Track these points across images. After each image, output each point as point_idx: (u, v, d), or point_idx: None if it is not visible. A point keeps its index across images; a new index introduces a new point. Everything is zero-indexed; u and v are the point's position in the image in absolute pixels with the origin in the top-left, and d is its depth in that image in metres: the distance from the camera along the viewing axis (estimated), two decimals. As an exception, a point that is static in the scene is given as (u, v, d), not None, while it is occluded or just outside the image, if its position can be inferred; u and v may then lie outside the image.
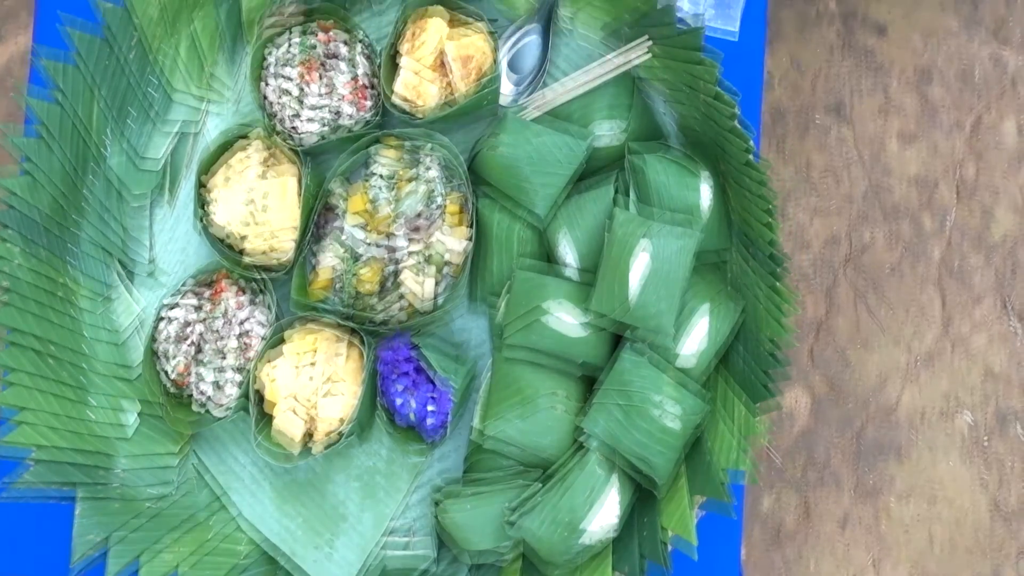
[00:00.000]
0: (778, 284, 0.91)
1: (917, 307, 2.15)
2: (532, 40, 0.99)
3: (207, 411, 0.98)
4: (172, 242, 1.00)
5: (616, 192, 0.93)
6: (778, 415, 2.18)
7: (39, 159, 0.94)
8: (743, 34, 1.21)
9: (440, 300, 0.97)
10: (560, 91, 0.97)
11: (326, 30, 0.99)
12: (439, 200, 0.95)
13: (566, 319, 0.91)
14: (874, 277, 2.16)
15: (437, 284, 0.95)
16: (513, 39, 1.00)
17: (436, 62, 0.96)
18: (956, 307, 2.17)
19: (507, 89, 1.00)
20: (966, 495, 2.14)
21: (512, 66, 1.00)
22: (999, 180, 2.17)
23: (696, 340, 0.92)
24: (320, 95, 0.95)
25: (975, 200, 2.17)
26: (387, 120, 1.02)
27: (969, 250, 2.17)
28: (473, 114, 0.98)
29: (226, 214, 0.94)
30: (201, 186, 0.97)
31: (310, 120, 0.96)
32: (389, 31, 1.01)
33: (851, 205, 2.16)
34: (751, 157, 0.90)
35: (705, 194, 0.93)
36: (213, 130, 1.02)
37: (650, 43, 0.95)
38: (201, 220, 0.96)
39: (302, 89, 0.96)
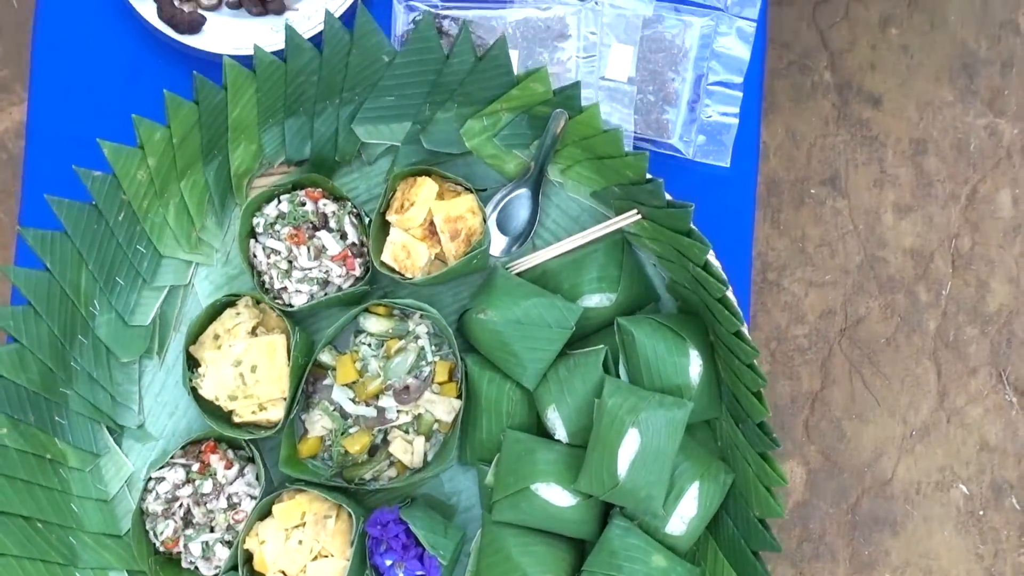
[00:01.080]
0: (768, 461, 0.91)
1: (912, 379, 2.15)
2: (523, 195, 0.99)
3: (196, 568, 0.98)
4: (161, 399, 1.01)
5: (606, 359, 0.94)
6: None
7: (27, 330, 0.94)
8: (735, 161, 1.21)
9: (430, 458, 0.97)
10: (549, 251, 0.97)
11: (315, 198, 0.99)
12: (428, 364, 0.96)
13: (555, 496, 0.91)
14: (869, 349, 2.16)
15: (427, 445, 0.95)
16: (504, 195, 1.00)
17: (425, 226, 0.96)
18: (951, 379, 2.17)
19: (497, 242, 1.00)
20: (961, 567, 2.15)
21: (502, 220, 1.00)
22: (994, 251, 2.17)
23: (686, 508, 0.92)
24: (309, 260, 0.96)
25: (971, 271, 2.17)
26: (376, 281, 1.02)
27: (964, 322, 2.17)
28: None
29: (214, 384, 0.94)
30: (191, 344, 0.97)
31: (299, 284, 0.96)
32: (379, 181, 1.02)
33: (846, 277, 2.16)
34: (743, 330, 0.90)
35: (695, 365, 0.93)
36: (203, 281, 1.02)
37: (639, 216, 0.96)
38: (190, 389, 0.96)
39: (291, 252, 0.96)
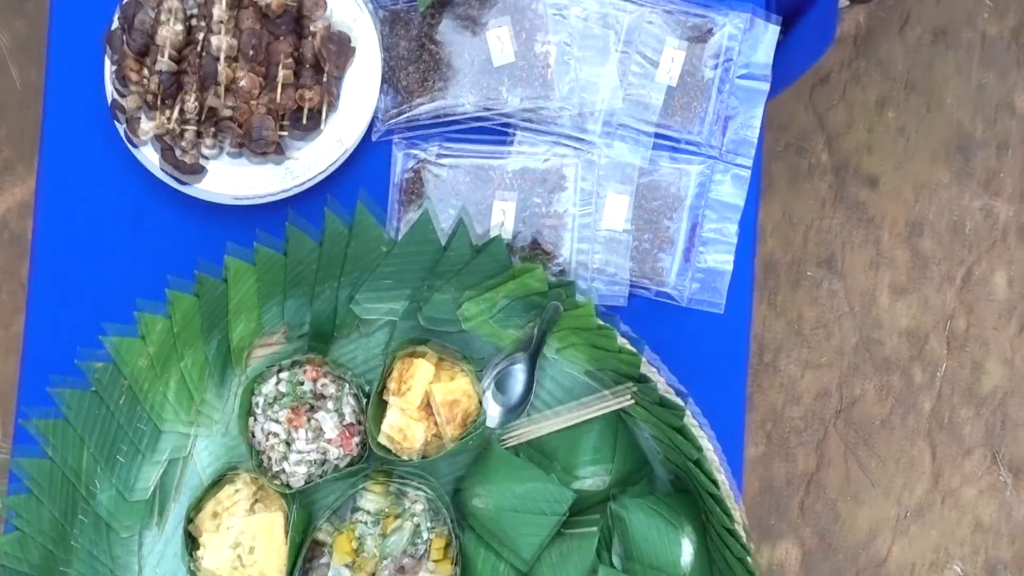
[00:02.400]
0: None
1: (907, 460, 2.17)
2: (518, 367, 1.01)
3: None
4: (160, 570, 1.02)
5: (600, 539, 0.95)
6: (768, 569, 2.19)
7: (29, 515, 0.96)
8: (729, 306, 1.23)
9: (426, 629, 0.98)
10: (545, 423, 0.98)
11: (315, 376, 1.00)
12: (425, 536, 0.97)
13: None
14: (864, 430, 2.17)
15: (423, 615, 0.97)
16: (500, 366, 1.01)
17: (423, 404, 0.98)
18: (946, 460, 2.18)
19: (493, 411, 1.02)
20: (956, 647, 2.16)
21: (498, 389, 1.02)
22: (989, 333, 2.19)
23: None
24: (308, 440, 0.97)
25: (965, 353, 2.19)
26: (373, 456, 1.03)
27: (959, 403, 2.18)
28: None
29: (214, 560, 0.96)
30: (189, 522, 0.99)
31: (298, 463, 0.98)
32: (378, 352, 1.03)
33: (842, 358, 2.18)
34: (736, 527, 0.92)
35: (687, 550, 0.94)
36: (202, 451, 1.03)
37: (632, 399, 0.97)
38: (190, 565, 0.98)
39: (290, 434, 0.98)
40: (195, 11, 1.18)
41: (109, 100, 1.18)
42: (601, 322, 1.02)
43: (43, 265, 1.17)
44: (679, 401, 0.97)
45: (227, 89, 1.16)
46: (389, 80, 1.21)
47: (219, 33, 1.14)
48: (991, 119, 2.24)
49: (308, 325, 1.01)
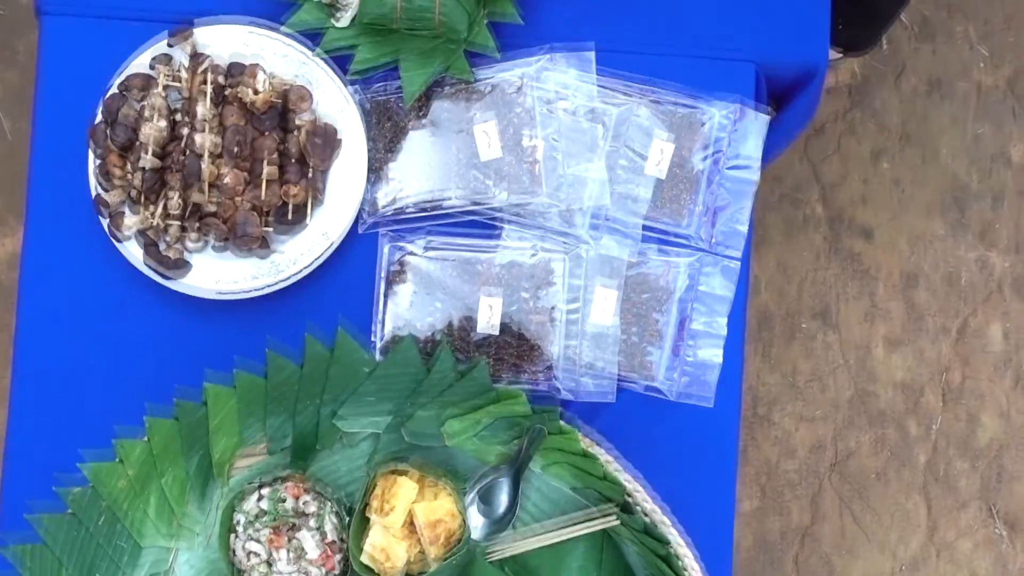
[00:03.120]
0: None
1: (902, 513, 2.16)
2: (503, 481, 1.00)
3: None
4: None
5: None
6: (763, 623, 2.19)
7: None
8: (718, 399, 1.22)
9: None
10: (530, 538, 0.97)
11: (297, 493, 0.99)
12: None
13: None
14: (859, 484, 2.16)
15: None
16: (484, 481, 1.00)
17: (405, 523, 0.97)
18: (941, 513, 2.17)
19: (478, 523, 1.01)
20: None
21: (483, 501, 1.01)
22: (985, 385, 2.18)
23: None
24: (289, 561, 0.96)
25: (961, 405, 2.18)
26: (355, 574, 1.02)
27: (955, 456, 2.17)
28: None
29: None
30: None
31: (279, 584, 0.96)
32: (361, 463, 1.02)
33: (837, 411, 2.17)
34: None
35: None
36: (183, 565, 1.02)
37: (616, 520, 0.96)
38: None
39: (271, 554, 0.97)
40: (179, 105, 1.17)
41: (93, 193, 1.17)
42: (587, 448, 1.01)
43: (25, 361, 1.17)
44: (664, 530, 0.96)
45: (211, 185, 1.15)
46: (375, 171, 1.20)
47: (203, 131, 1.13)
48: (986, 170, 2.23)
49: (290, 439, 1.00)
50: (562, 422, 1.03)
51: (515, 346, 1.17)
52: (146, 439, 0.99)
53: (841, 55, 2.14)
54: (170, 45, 1.18)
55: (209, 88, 1.14)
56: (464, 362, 1.14)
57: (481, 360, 1.02)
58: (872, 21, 1.93)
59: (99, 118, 1.18)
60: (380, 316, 1.19)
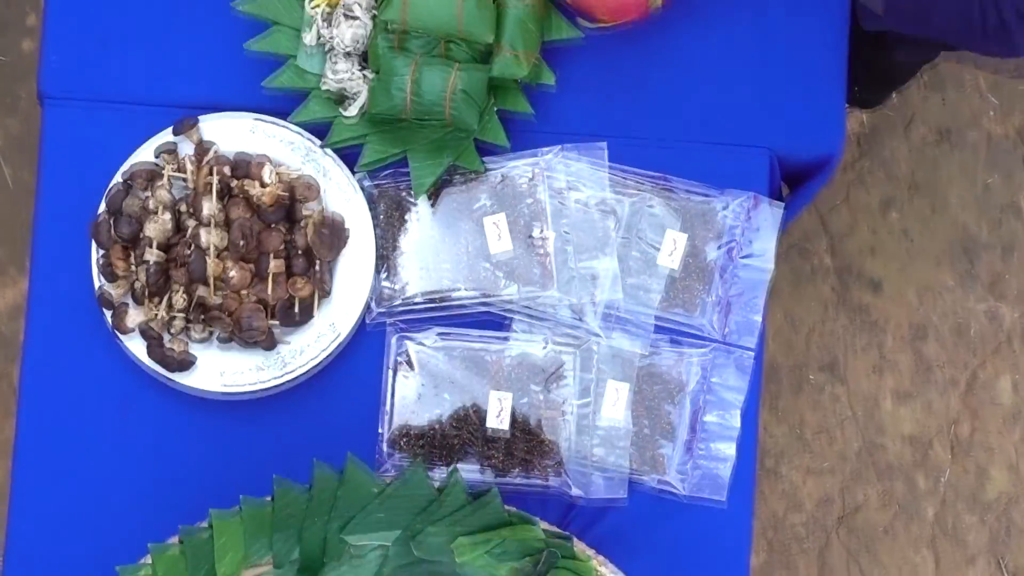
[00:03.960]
0: None
1: (910, 567, 2.14)
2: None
3: None
4: None
5: None
6: None
7: None
8: (731, 500, 1.20)
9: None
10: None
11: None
12: None
13: None
14: (867, 537, 2.14)
15: None
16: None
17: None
18: (950, 567, 2.15)
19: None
20: None
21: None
22: (994, 438, 2.16)
23: None
24: None
25: (970, 458, 2.16)
26: None
27: (963, 509, 2.15)
28: None
29: None
30: None
31: None
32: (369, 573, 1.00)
33: (844, 464, 2.15)
34: None
35: None
36: None
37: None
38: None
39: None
40: (184, 194, 1.15)
41: (96, 287, 1.15)
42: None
43: (25, 459, 1.15)
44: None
45: (217, 279, 1.13)
46: (383, 261, 1.18)
47: (209, 225, 1.11)
48: (996, 220, 2.21)
49: (297, 554, 0.98)
50: (577, 547, 1.02)
51: (525, 441, 1.15)
52: (150, 565, 0.97)
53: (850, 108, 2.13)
54: (175, 140, 1.16)
55: (215, 182, 1.12)
56: (473, 456, 1.13)
57: (493, 488, 1.01)
58: (888, 85, 1.91)
59: (102, 211, 1.15)
60: (387, 408, 1.17)
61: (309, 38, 1.14)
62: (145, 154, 1.17)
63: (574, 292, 1.16)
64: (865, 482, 2.15)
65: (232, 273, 1.12)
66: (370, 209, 1.17)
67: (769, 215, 1.21)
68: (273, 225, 1.14)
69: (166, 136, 1.17)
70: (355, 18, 1.12)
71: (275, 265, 1.13)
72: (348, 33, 1.11)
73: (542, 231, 1.15)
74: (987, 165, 2.18)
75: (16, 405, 1.19)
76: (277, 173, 1.14)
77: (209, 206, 1.11)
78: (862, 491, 2.15)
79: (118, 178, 1.16)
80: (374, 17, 1.13)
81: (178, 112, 1.18)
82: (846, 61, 1.25)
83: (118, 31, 1.21)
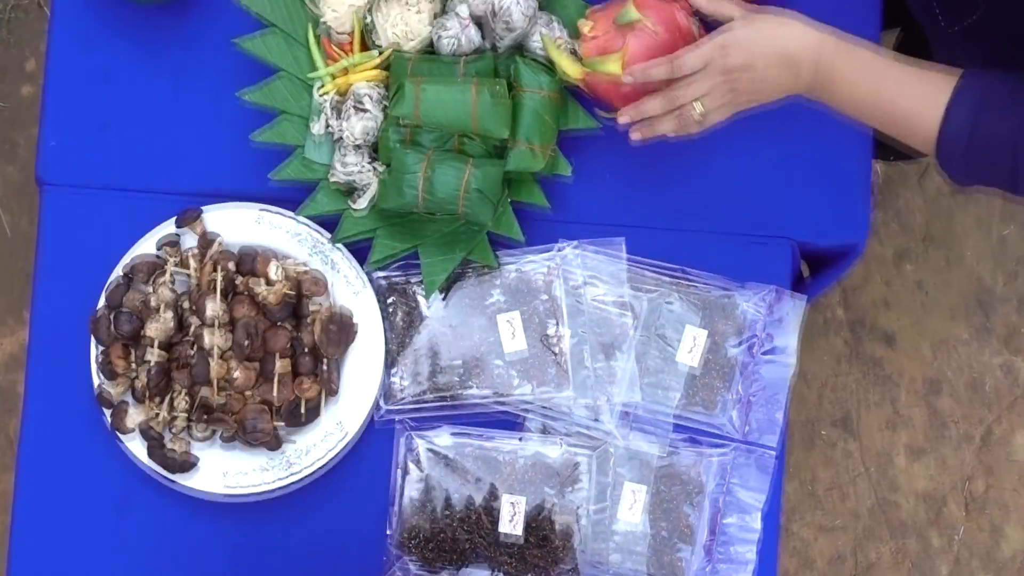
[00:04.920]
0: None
1: (923, 626, 2.10)
2: None
3: None
4: None
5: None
6: None
7: None
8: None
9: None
10: None
11: None
12: None
13: None
14: (880, 596, 2.11)
15: None
16: None
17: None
18: (963, 626, 2.12)
19: None
20: None
21: None
22: (1009, 495, 2.12)
23: None
24: None
25: (984, 516, 2.12)
26: None
27: (978, 568, 2.11)
28: None
29: None
30: None
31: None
32: None
33: (857, 521, 2.11)
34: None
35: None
36: None
37: None
38: None
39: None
40: (186, 287, 1.11)
41: (95, 384, 1.11)
42: None
43: (21, 563, 1.11)
44: None
45: (221, 379, 1.09)
46: (391, 357, 1.14)
47: (212, 326, 1.07)
48: (1012, 273, 2.18)
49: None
50: None
51: (539, 547, 1.11)
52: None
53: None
54: (178, 232, 1.12)
55: (219, 280, 1.08)
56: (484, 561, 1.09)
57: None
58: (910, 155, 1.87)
59: (102, 304, 1.11)
60: (396, 509, 1.13)
61: (317, 127, 1.10)
62: (147, 246, 1.13)
63: (590, 393, 1.12)
64: (878, 540, 2.11)
65: (236, 374, 1.08)
66: (379, 302, 1.13)
67: (791, 308, 1.17)
68: (279, 323, 1.10)
69: (168, 228, 1.13)
70: (365, 110, 1.07)
71: (281, 365, 1.09)
72: (359, 126, 1.07)
73: (557, 329, 1.11)
74: (1002, 217, 2.14)
75: (12, 459, 1.15)
76: (283, 268, 1.10)
77: (213, 307, 1.07)
78: (875, 549, 2.11)
79: (119, 271, 1.12)
80: (385, 109, 1.09)
81: (180, 199, 1.14)
82: (872, 148, 1.21)
83: (119, 115, 1.17)
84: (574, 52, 1.09)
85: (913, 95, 0.95)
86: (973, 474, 2.15)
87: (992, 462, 2.14)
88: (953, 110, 0.92)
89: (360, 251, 1.14)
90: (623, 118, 1.03)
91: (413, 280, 1.14)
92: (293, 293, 1.10)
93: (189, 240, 1.13)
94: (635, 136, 1.06)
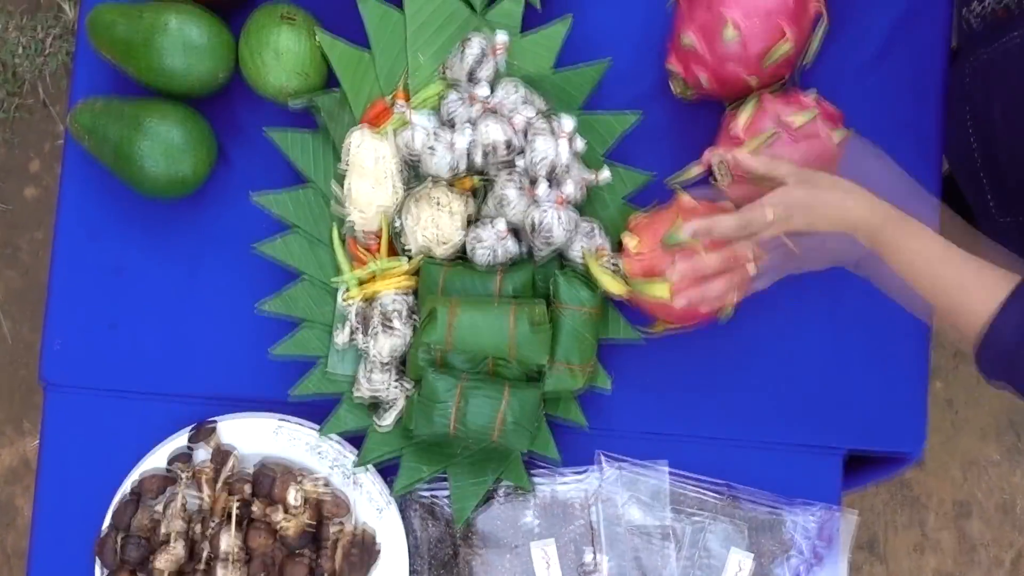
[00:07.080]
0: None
1: None
2: None
3: None
4: None
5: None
6: None
7: None
8: None
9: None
10: None
11: None
12: None
13: None
14: None
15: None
16: None
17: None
18: None
19: None
20: None
21: None
22: (1040, 621, 2.06)
23: None
24: None
25: (1014, 643, 2.06)
26: None
27: None
28: None
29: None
30: None
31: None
32: None
33: (883, 649, 2.05)
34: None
35: None
36: None
37: None
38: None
39: None
40: (196, 510, 1.04)
41: (100, 609, 1.04)
42: None
43: None
44: None
45: (234, 611, 1.01)
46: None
47: (227, 560, 1.00)
48: (1045, 391, 2.10)
49: None
50: None
51: None
52: None
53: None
54: (190, 447, 1.05)
55: (234, 508, 1.01)
56: None
57: None
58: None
59: (107, 524, 1.04)
60: None
61: (341, 338, 1.03)
62: (156, 459, 1.05)
63: (631, 625, 1.04)
64: (906, 667, 2.04)
65: (252, 608, 1.01)
66: (402, 519, 1.06)
67: (842, 527, 1.10)
68: (297, 552, 1.03)
69: (180, 441, 1.05)
70: (393, 328, 1.00)
71: (299, 596, 1.02)
72: (387, 345, 1.00)
73: (595, 557, 1.04)
74: (1036, 335, 2.08)
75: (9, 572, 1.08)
76: (303, 490, 1.03)
77: (228, 540, 1.00)
78: (901, 677, 2.05)
79: (127, 487, 1.05)
80: (414, 324, 1.02)
81: (191, 403, 1.07)
82: (928, 353, 1.14)
83: (129, 313, 1.09)
84: (616, 267, 1.02)
85: (970, 284, 0.90)
86: (1003, 599, 2.08)
87: (1023, 586, 2.08)
88: (1009, 305, 0.87)
89: (385, 468, 1.06)
90: (686, 231, 0.93)
91: (440, 498, 1.07)
92: (313, 522, 1.02)
93: (202, 452, 1.06)
94: (680, 303, 0.97)
